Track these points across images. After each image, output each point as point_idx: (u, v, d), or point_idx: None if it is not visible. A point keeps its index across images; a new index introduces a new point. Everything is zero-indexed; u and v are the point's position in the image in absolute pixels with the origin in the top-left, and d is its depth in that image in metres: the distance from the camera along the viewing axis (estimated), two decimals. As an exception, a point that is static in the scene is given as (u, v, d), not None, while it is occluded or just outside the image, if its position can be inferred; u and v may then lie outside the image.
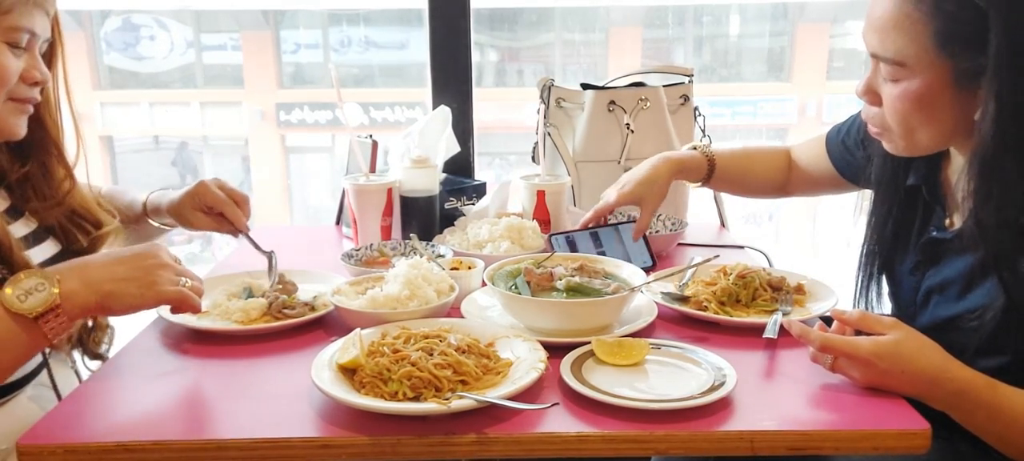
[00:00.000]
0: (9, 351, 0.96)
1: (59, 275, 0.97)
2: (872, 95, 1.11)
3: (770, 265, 1.48)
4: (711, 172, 1.52)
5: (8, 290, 0.94)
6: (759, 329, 1.17)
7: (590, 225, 1.49)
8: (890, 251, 1.24)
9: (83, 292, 0.98)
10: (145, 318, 1.17)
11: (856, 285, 1.28)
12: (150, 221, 1.44)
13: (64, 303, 0.96)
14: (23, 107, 1.12)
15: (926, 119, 1.06)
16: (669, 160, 1.50)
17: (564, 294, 1.15)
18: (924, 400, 0.98)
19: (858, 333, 1.01)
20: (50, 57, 1.18)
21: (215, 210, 1.36)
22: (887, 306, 1.27)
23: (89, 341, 1.25)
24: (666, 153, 1.52)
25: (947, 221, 1.17)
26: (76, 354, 1.25)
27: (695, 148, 1.55)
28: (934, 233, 1.16)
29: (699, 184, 1.56)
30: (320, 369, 0.97)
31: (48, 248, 1.20)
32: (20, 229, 1.17)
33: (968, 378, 0.98)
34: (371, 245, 1.51)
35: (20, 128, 1.13)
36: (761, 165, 1.57)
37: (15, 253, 1.09)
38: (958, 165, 1.13)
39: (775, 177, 1.56)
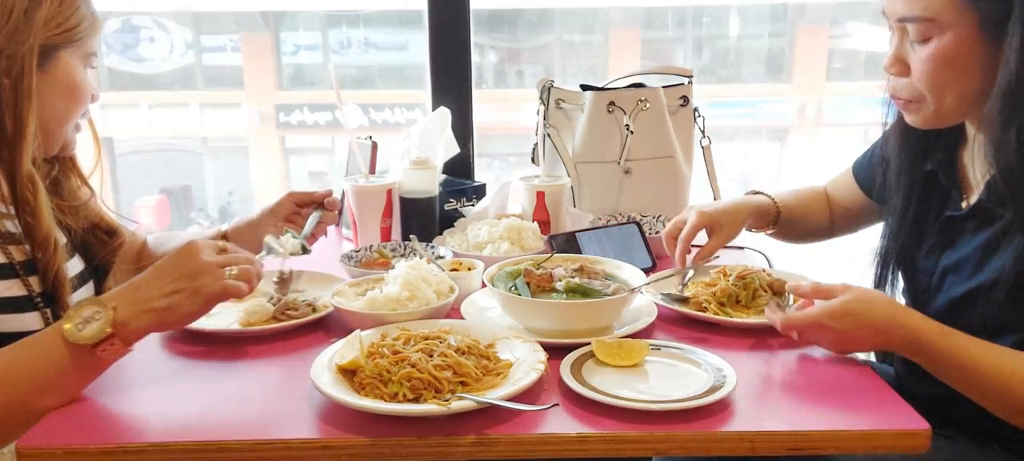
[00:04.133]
0: (69, 381, 0.96)
1: (114, 302, 0.97)
2: (901, 65, 1.13)
3: (770, 266, 1.48)
4: (777, 219, 1.50)
5: (67, 325, 0.95)
6: (759, 330, 1.17)
7: (670, 249, 1.42)
8: (908, 241, 1.25)
9: (138, 316, 0.97)
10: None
11: (874, 283, 1.28)
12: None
13: (119, 330, 0.96)
14: (80, 123, 1.23)
15: (956, 76, 1.08)
16: (749, 204, 1.48)
17: (564, 295, 1.15)
18: (886, 349, 1.03)
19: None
20: None
21: (305, 205, 1.46)
22: (900, 301, 1.27)
23: None
24: (746, 197, 1.51)
25: (963, 203, 1.18)
26: None
27: (758, 193, 1.52)
28: (950, 212, 1.18)
29: (768, 232, 1.53)
30: (320, 370, 0.97)
31: (76, 264, 1.23)
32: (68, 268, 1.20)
33: (919, 325, 1.02)
34: (371, 246, 1.51)
35: (76, 142, 1.24)
36: (813, 209, 1.55)
37: (61, 272, 1.12)
38: (973, 147, 1.16)
39: (822, 220, 1.55)
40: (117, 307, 0.96)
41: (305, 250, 1.35)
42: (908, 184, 1.24)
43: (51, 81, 1.12)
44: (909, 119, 1.18)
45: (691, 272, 1.33)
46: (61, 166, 1.25)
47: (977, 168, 1.15)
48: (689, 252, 1.38)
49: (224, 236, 1.46)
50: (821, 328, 1.04)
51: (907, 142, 1.23)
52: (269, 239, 1.31)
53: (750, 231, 1.52)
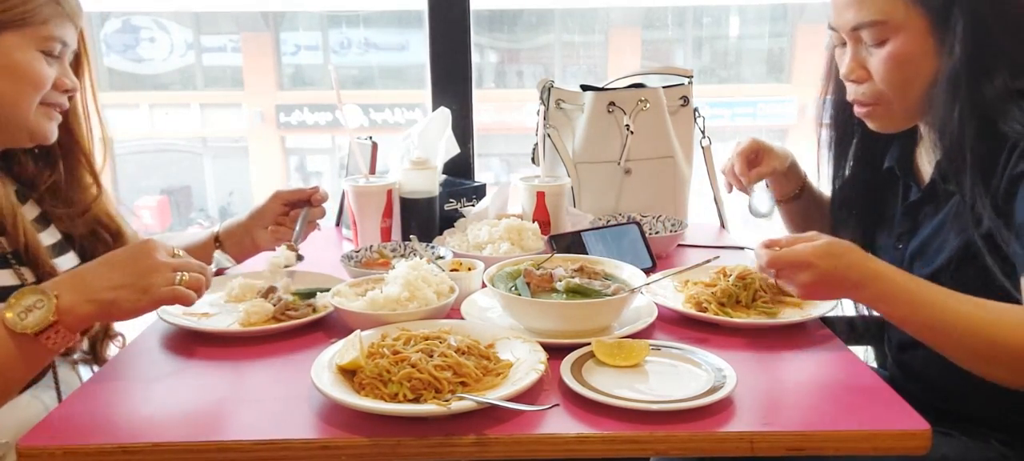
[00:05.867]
0: (14, 370, 0.96)
1: (57, 290, 0.97)
2: (861, 70, 1.20)
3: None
4: (802, 189, 1.54)
5: (9, 314, 0.94)
6: (759, 330, 1.17)
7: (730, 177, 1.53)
8: (877, 235, 1.32)
9: (82, 305, 0.97)
10: (148, 319, 1.17)
11: None
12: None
13: (63, 318, 0.95)
14: (52, 113, 1.19)
15: (915, 73, 1.14)
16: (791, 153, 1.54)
17: (564, 295, 1.15)
18: (857, 296, 1.06)
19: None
20: (76, 68, 1.24)
21: (293, 204, 1.44)
22: None
23: (100, 349, 1.26)
24: None
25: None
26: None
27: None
28: (910, 200, 1.25)
29: (794, 194, 1.55)
30: (320, 370, 0.97)
31: (70, 260, 1.22)
32: (46, 238, 1.20)
33: (886, 271, 1.04)
34: (371, 247, 1.51)
35: (52, 132, 1.19)
36: (824, 210, 1.56)
37: (42, 256, 1.12)
38: (926, 143, 1.23)
39: (826, 224, 1.55)
40: (60, 295, 0.96)
41: (299, 257, 1.36)
42: (866, 186, 1.33)
43: None
44: (873, 125, 1.24)
45: (758, 189, 1.39)
46: (68, 163, 1.25)
47: (930, 160, 1.22)
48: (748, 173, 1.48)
49: (217, 238, 1.45)
50: (807, 266, 1.04)
51: (867, 150, 1.32)
52: (270, 263, 1.33)
53: (775, 194, 1.56)
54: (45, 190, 1.24)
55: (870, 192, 1.34)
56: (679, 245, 1.66)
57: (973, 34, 1.08)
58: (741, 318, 1.20)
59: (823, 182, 1.44)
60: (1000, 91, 1.08)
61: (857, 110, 1.24)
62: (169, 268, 1.02)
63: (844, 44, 1.21)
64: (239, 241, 1.45)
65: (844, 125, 1.34)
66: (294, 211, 1.45)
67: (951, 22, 1.09)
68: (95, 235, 1.27)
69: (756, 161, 1.50)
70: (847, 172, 1.37)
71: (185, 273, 1.04)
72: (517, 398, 0.92)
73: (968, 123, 1.09)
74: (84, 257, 1.25)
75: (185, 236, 1.49)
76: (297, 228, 1.42)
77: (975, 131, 1.09)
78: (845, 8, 1.17)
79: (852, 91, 1.23)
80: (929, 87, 1.14)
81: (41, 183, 1.24)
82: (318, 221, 1.50)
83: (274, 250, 1.37)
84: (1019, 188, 1.04)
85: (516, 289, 1.17)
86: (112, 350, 1.30)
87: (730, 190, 1.57)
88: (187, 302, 1.04)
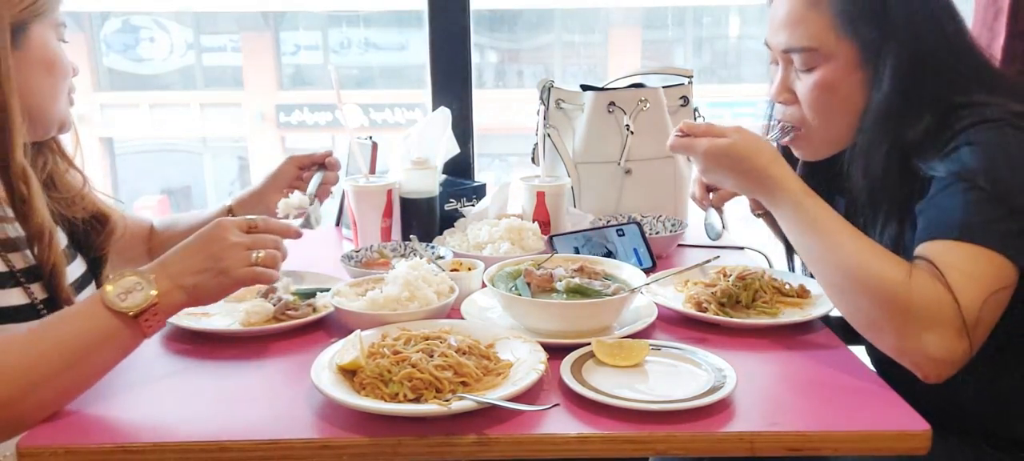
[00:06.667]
0: (107, 351, 0.96)
1: (153, 274, 0.98)
2: (788, 94, 1.20)
3: (770, 266, 1.48)
4: None
5: (109, 287, 0.95)
6: (759, 330, 1.17)
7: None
8: None
9: (173, 291, 0.98)
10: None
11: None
12: None
13: (160, 301, 0.97)
14: (72, 98, 1.19)
15: (841, 102, 1.14)
16: None
17: (564, 295, 1.15)
18: (757, 196, 1.10)
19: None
20: None
21: (307, 168, 1.46)
22: None
23: None
24: None
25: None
26: None
27: None
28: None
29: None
30: (320, 370, 0.97)
31: (77, 267, 1.21)
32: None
33: (788, 175, 1.07)
34: (371, 246, 1.51)
35: (71, 119, 1.20)
36: None
37: (62, 279, 1.10)
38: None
39: None
40: (156, 279, 0.97)
41: (315, 222, 1.38)
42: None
43: (29, 59, 1.08)
44: (797, 152, 1.24)
45: (713, 212, 1.36)
46: (50, 156, 1.22)
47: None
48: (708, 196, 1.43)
49: (230, 210, 1.45)
50: (705, 157, 1.10)
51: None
52: (281, 204, 1.34)
53: (752, 206, 1.50)
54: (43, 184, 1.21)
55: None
56: (679, 245, 1.67)
57: (903, 70, 1.07)
58: (741, 318, 1.20)
59: None
60: (924, 130, 1.07)
61: (781, 141, 1.23)
62: (243, 247, 1.02)
63: (777, 63, 1.21)
64: (252, 209, 1.44)
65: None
66: (307, 173, 1.48)
67: (882, 56, 1.09)
68: (91, 227, 1.24)
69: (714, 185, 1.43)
70: None
71: (260, 250, 1.04)
72: (517, 398, 0.92)
73: (892, 160, 1.08)
74: (85, 255, 1.24)
75: (198, 215, 1.48)
76: (312, 184, 1.44)
77: (896, 168, 1.08)
78: (779, 29, 1.17)
79: (779, 112, 1.23)
80: (854, 119, 1.14)
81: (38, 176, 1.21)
82: (331, 188, 1.51)
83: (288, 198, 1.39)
84: (921, 215, 1.03)
85: (516, 289, 1.17)
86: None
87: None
88: (268, 281, 1.05)
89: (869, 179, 1.11)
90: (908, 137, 1.08)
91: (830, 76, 1.13)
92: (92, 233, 1.25)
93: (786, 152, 1.25)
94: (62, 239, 1.17)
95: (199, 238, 1.02)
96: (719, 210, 1.38)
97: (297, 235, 1.11)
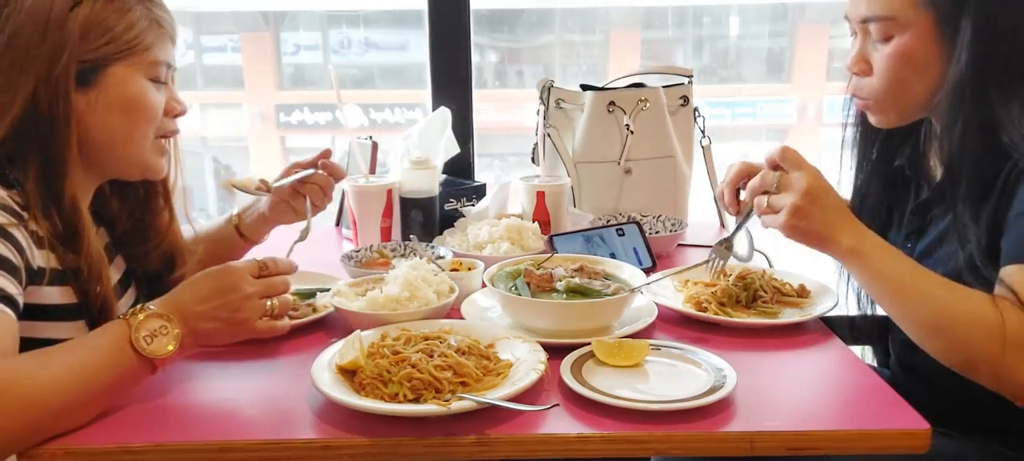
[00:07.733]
0: (127, 383, 0.96)
1: (175, 317, 0.98)
2: (864, 64, 1.18)
3: (770, 266, 1.48)
4: None
5: (137, 329, 0.95)
6: (759, 330, 1.17)
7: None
8: (886, 235, 1.26)
9: (189, 335, 0.99)
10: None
11: (847, 281, 1.28)
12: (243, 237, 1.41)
13: (180, 347, 0.98)
14: (165, 146, 1.15)
15: (916, 73, 1.13)
16: None
17: (564, 295, 1.15)
18: (831, 245, 1.07)
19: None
20: None
21: (307, 168, 1.39)
22: None
23: None
24: None
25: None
26: None
27: None
28: (918, 200, 1.24)
29: None
30: (320, 371, 0.97)
31: (129, 298, 1.20)
32: (112, 273, 1.15)
33: (863, 234, 1.06)
34: (371, 246, 1.51)
35: (163, 167, 1.16)
36: None
37: (112, 317, 1.06)
38: (934, 141, 1.22)
39: None
40: (178, 322, 0.98)
41: (307, 233, 1.35)
42: (880, 184, 1.30)
43: (103, 99, 1.05)
44: (872, 119, 1.22)
45: (744, 233, 1.32)
46: (149, 193, 1.20)
47: (942, 159, 1.20)
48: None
49: (237, 219, 1.41)
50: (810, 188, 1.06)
51: (873, 143, 1.29)
52: (230, 183, 1.34)
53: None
54: (122, 232, 1.20)
55: (885, 189, 1.31)
56: (679, 245, 1.67)
57: (981, 42, 1.06)
58: (741, 318, 1.20)
59: (844, 182, 1.42)
60: (1005, 103, 1.06)
61: (858, 104, 1.23)
62: (259, 296, 1.04)
63: (855, 34, 1.20)
64: (257, 218, 1.41)
65: (868, 121, 1.30)
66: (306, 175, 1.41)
67: (959, 27, 1.07)
68: (164, 267, 1.22)
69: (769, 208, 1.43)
70: (868, 169, 1.34)
71: (275, 299, 1.06)
72: (517, 398, 0.92)
73: (970, 136, 1.07)
74: (140, 292, 1.22)
75: (209, 227, 1.43)
76: (294, 177, 1.38)
77: (976, 145, 1.07)
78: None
79: (853, 85, 1.22)
80: (930, 92, 1.13)
81: (121, 224, 1.19)
82: (334, 186, 1.43)
83: (288, 223, 1.39)
84: (1009, 227, 1.03)
85: (516, 289, 1.17)
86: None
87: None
88: (281, 333, 1.09)
89: (948, 154, 1.11)
90: (989, 115, 1.07)
91: (906, 46, 1.12)
92: (160, 275, 1.23)
93: (861, 115, 1.25)
94: (110, 273, 1.13)
95: (214, 285, 1.02)
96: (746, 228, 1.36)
97: (296, 269, 1.13)
